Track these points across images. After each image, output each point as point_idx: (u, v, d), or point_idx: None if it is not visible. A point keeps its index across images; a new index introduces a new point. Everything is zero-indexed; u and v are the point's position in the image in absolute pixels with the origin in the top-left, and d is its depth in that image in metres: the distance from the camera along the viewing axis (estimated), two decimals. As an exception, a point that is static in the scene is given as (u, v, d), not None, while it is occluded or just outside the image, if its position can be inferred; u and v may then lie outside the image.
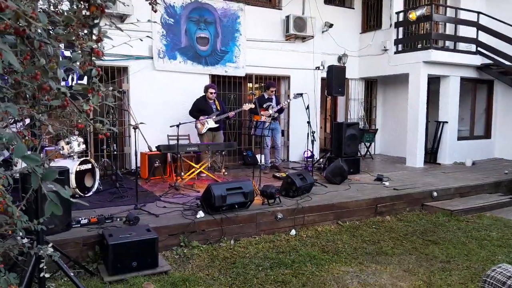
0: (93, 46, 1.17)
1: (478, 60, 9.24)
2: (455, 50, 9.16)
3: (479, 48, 9.22)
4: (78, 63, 1.23)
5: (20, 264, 2.73)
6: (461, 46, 9.37)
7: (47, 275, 2.48)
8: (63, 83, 1.31)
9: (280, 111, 7.87)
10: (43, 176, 0.93)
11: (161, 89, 7.81)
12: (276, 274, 3.81)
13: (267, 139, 7.66)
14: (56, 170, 1.02)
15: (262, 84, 9.35)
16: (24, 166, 1.53)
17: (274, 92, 7.82)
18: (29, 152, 1.08)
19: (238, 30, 8.51)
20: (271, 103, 7.68)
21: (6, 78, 1.34)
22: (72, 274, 2.90)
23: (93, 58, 1.18)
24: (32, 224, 1.66)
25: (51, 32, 1.24)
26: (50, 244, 1.88)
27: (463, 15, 9.36)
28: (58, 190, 0.96)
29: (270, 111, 7.57)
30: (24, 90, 1.28)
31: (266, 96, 7.78)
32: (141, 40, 1.82)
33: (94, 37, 1.21)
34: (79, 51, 1.19)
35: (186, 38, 7.97)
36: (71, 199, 1.08)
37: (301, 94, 7.36)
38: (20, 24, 0.95)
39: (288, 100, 8.10)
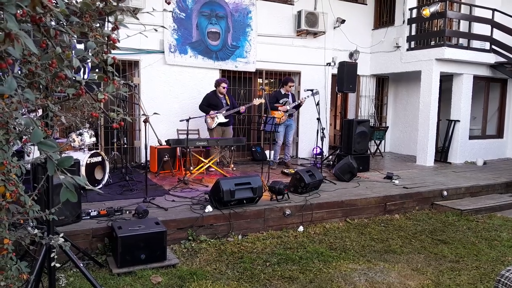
0: (109, 34, 1.17)
1: (492, 58, 9.10)
2: (468, 47, 9.03)
3: (493, 46, 9.08)
4: (90, 53, 1.23)
5: (31, 253, 2.77)
6: (475, 43, 9.24)
7: (57, 265, 2.50)
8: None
9: (297, 107, 7.78)
10: (59, 162, 0.93)
11: (172, 83, 7.83)
12: (283, 270, 3.81)
13: (279, 135, 7.60)
14: (72, 156, 1.02)
15: (272, 80, 9.34)
16: (36, 156, 1.54)
17: (292, 88, 7.70)
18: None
19: (249, 25, 8.48)
20: (287, 99, 7.61)
21: (20, 68, 1.34)
22: (81, 265, 2.92)
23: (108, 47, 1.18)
24: (43, 214, 1.67)
25: (64, 23, 1.24)
26: (61, 234, 1.89)
27: (477, 12, 9.22)
28: (73, 178, 0.97)
29: (287, 107, 7.52)
30: (38, 80, 1.28)
31: (283, 92, 7.67)
32: (156, 30, 1.81)
33: (110, 25, 1.21)
34: (93, 42, 1.19)
35: (197, 33, 7.97)
36: (86, 186, 1.09)
37: (312, 90, 7.29)
38: (37, 12, 0.95)
39: (307, 96, 7.70)
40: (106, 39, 1.19)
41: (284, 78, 7.95)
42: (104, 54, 1.20)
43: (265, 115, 6.98)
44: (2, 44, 0.86)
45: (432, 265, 4.05)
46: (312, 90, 7.26)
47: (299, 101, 7.63)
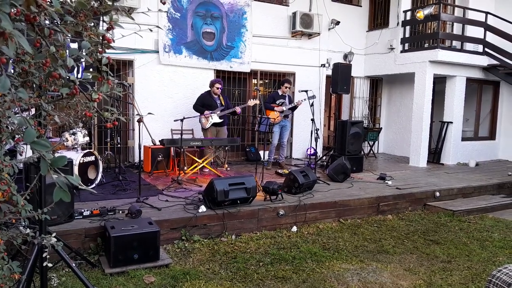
0: (104, 34, 1.17)
1: (484, 61, 9.19)
2: (462, 50, 9.11)
3: (486, 49, 9.17)
4: (84, 53, 1.23)
5: (23, 253, 2.75)
6: (468, 46, 9.32)
7: (49, 265, 2.49)
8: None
9: (293, 109, 7.81)
10: (52, 162, 0.93)
11: (166, 83, 7.81)
12: (277, 270, 3.82)
13: (274, 136, 7.62)
14: (65, 156, 1.02)
15: (267, 81, 9.35)
16: (29, 156, 1.54)
17: (288, 89, 7.73)
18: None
19: (244, 25, 8.48)
20: (284, 100, 7.64)
21: (13, 67, 1.34)
22: (74, 265, 2.91)
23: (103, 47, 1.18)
24: (36, 213, 1.66)
25: (58, 22, 1.24)
26: (54, 234, 1.88)
27: (471, 15, 9.30)
28: (67, 177, 0.96)
29: (284, 108, 7.54)
30: (31, 79, 1.28)
31: (280, 93, 7.71)
32: (151, 30, 1.81)
33: (105, 25, 1.21)
34: (88, 41, 1.19)
35: (192, 33, 7.96)
36: (79, 186, 1.08)
37: (314, 96, 7.32)
38: (31, 11, 0.95)
39: (303, 99, 7.60)
40: (101, 38, 1.19)
41: (282, 79, 7.99)
42: (98, 54, 1.20)
43: (259, 115, 6.99)
44: (-4, 43, 0.86)
45: (424, 265, 4.08)
46: (306, 91, 7.27)
47: (295, 104, 7.66)
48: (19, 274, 1.66)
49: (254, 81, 9.10)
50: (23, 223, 2.71)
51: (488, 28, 9.11)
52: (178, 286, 3.39)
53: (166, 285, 3.39)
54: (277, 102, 7.58)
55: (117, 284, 3.36)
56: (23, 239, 1.89)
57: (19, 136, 1.30)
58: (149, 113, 2.37)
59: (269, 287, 3.47)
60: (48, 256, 2.23)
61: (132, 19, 1.44)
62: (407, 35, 9.34)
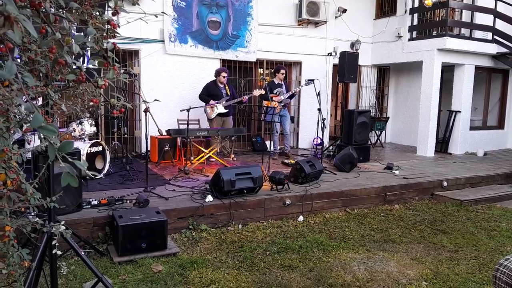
0: (109, 19, 1.16)
1: (494, 49, 9.04)
2: (470, 38, 8.97)
3: (495, 36, 9.02)
4: (90, 40, 1.22)
5: (33, 241, 2.78)
6: (477, 34, 9.18)
7: (58, 253, 2.52)
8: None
9: (291, 96, 7.81)
10: (59, 147, 0.93)
11: (172, 73, 7.80)
12: (283, 258, 3.83)
13: (276, 125, 7.63)
14: (72, 141, 1.02)
15: (273, 70, 9.29)
16: (37, 145, 1.54)
17: (284, 76, 7.71)
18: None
19: (250, 14, 8.41)
20: (281, 89, 7.61)
21: (19, 56, 1.33)
22: (82, 253, 2.94)
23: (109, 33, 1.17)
24: (44, 202, 1.67)
25: (64, 10, 1.23)
26: (63, 222, 1.90)
27: (480, 2, 9.15)
28: (74, 162, 0.96)
29: (281, 97, 7.51)
30: (38, 67, 1.28)
31: (276, 82, 7.69)
32: (156, 16, 1.79)
33: (110, 13, 1.20)
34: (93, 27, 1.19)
35: (198, 22, 7.91)
36: (86, 172, 1.08)
37: (312, 81, 7.27)
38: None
39: (300, 87, 7.95)
40: (106, 24, 1.18)
41: (275, 67, 7.94)
42: (104, 40, 1.19)
43: (265, 106, 6.97)
44: (1, 27, 0.85)
45: (431, 255, 4.07)
46: (313, 81, 7.24)
47: (293, 91, 7.67)
48: (29, 262, 1.68)
49: (260, 70, 9.06)
50: (32, 212, 2.73)
51: (497, 15, 8.96)
52: (186, 274, 3.42)
53: (174, 274, 3.42)
54: (275, 91, 7.55)
55: (125, 273, 3.40)
56: (33, 228, 1.91)
57: (27, 125, 1.30)
58: (155, 100, 2.37)
59: (276, 276, 3.49)
60: (57, 244, 2.25)
61: (138, 4, 1.43)
62: (415, 23, 9.21)
